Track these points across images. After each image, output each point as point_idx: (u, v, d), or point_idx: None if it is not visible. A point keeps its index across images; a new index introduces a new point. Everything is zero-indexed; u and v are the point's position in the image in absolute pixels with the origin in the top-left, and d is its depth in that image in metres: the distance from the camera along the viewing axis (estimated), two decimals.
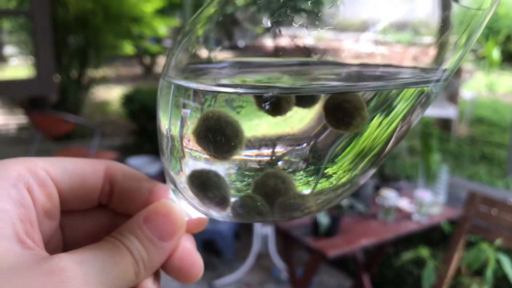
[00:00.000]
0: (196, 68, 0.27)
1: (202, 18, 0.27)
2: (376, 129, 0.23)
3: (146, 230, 0.25)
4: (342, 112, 0.22)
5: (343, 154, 0.23)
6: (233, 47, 0.27)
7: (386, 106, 0.23)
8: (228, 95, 0.23)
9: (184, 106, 0.24)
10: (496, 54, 10.34)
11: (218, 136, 0.23)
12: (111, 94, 9.69)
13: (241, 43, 0.27)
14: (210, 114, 0.23)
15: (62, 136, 6.36)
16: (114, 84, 10.36)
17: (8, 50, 10.70)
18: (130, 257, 0.24)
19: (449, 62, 0.26)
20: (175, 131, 0.25)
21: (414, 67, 0.26)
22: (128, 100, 6.24)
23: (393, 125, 0.24)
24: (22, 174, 0.25)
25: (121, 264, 0.24)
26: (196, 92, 0.24)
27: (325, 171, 0.23)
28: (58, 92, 6.41)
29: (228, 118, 0.23)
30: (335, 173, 0.24)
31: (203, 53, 0.27)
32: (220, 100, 0.23)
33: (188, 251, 0.27)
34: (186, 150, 0.25)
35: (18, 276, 0.21)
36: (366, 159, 0.24)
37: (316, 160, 0.23)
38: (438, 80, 0.25)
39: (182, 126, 0.25)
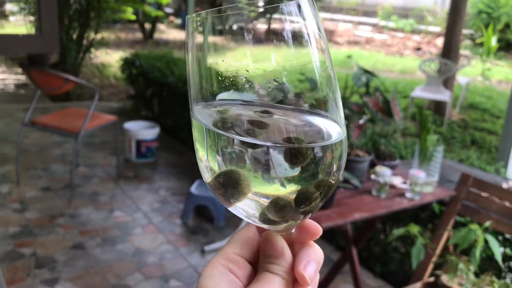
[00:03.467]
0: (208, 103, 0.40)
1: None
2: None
3: (267, 257, 0.41)
4: (295, 157, 0.37)
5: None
6: (227, 31, 0.38)
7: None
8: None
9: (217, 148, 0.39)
10: (494, 41, 10.36)
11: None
12: (110, 58, 9.62)
13: (235, 25, 0.38)
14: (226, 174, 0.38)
15: (61, 96, 6.34)
16: (113, 48, 10.27)
17: (8, 7, 10.50)
18: (270, 273, 0.40)
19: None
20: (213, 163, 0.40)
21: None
22: (127, 64, 6.21)
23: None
24: (224, 264, 0.41)
25: (270, 278, 0.39)
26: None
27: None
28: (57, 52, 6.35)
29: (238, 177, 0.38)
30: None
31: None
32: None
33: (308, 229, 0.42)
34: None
35: None
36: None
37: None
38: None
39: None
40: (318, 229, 0.42)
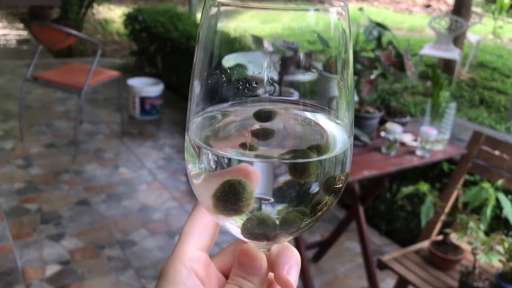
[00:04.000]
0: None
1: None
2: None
3: (242, 271, 0.38)
4: (298, 171, 0.33)
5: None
6: None
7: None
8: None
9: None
10: None
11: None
12: (113, 13, 9.43)
13: None
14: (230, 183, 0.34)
15: (63, 52, 6.24)
16: (116, 4, 10.06)
17: None
18: None
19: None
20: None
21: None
22: (129, 19, 6.07)
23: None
24: (188, 265, 0.37)
25: None
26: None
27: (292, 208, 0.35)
28: (59, 7, 6.21)
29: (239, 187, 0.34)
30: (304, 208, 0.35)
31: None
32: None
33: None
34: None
35: None
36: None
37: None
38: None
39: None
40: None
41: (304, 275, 2.11)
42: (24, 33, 8.02)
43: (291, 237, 0.37)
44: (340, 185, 0.36)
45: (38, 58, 3.84)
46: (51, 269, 2.45)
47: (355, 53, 2.01)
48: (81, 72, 3.77)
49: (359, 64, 1.97)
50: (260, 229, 0.35)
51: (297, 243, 2.10)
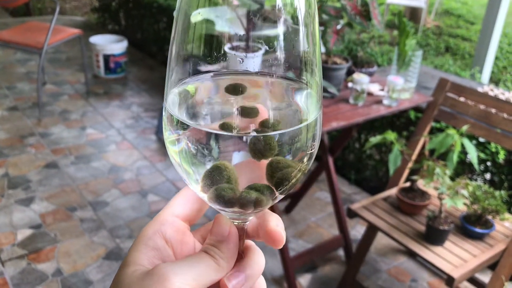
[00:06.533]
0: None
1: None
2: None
3: (212, 239, 0.37)
4: (258, 150, 0.34)
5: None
6: None
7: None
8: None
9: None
10: None
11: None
12: None
13: None
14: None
15: (21, 10, 5.98)
16: None
17: None
18: (208, 256, 0.36)
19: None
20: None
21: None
22: None
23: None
24: (156, 228, 0.38)
25: (203, 259, 0.36)
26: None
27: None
28: None
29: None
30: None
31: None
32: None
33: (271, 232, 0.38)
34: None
35: (137, 280, 0.34)
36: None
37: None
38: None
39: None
40: (280, 240, 0.38)
41: None
42: None
43: (257, 211, 0.37)
44: (310, 159, 0.37)
45: None
46: (23, 234, 2.43)
47: (321, 2, 1.98)
48: (40, 31, 3.63)
49: (324, 14, 1.95)
50: (224, 193, 0.35)
51: None
